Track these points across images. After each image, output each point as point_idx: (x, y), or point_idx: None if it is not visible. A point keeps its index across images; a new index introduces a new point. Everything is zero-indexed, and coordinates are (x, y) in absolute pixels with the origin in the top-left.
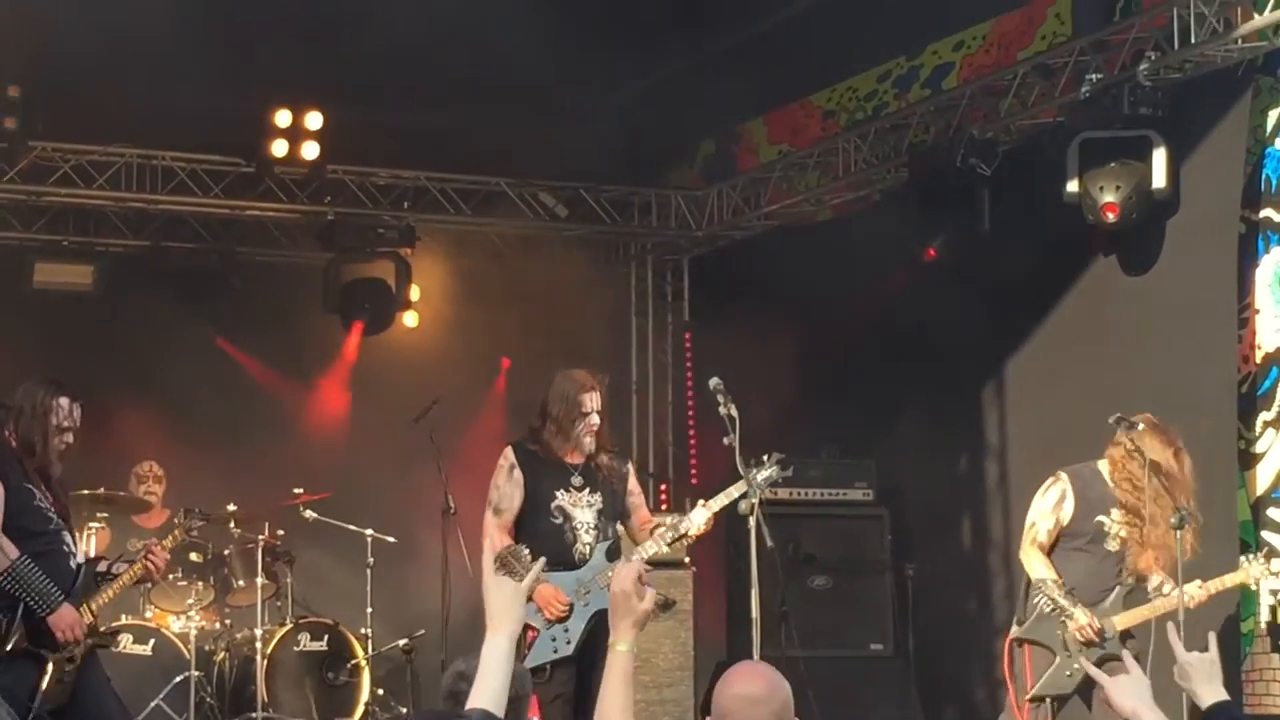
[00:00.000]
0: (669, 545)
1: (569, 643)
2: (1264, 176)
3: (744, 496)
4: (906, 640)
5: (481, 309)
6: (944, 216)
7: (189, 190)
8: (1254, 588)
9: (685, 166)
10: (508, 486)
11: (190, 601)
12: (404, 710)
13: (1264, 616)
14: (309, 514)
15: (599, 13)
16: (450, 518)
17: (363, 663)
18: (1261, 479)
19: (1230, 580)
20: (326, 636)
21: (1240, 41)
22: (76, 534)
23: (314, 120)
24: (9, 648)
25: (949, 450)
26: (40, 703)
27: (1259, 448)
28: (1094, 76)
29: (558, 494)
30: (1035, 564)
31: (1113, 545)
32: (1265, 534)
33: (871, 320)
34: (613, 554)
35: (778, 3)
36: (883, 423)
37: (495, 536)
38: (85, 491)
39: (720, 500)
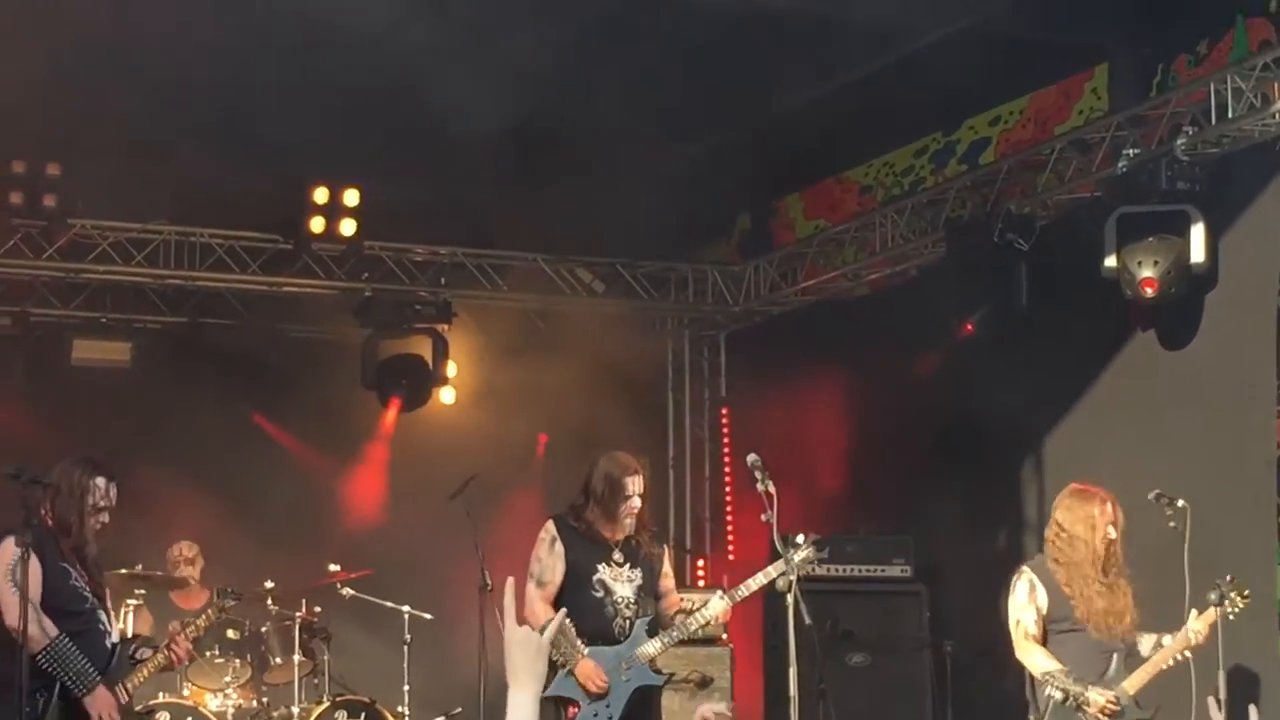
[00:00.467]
0: (690, 634)
1: (610, 718)
2: None
3: (781, 576)
4: (945, 717)
5: (518, 385)
6: (982, 291)
7: (227, 267)
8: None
9: (722, 242)
10: (549, 558)
11: (227, 679)
12: None
13: None
14: (346, 591)
15: (634, 89)
16: (487, 594)
17: None
18: None
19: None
20: (363, 714)
21: (1277, 116)
22: (112, 613)
23: (351, 197)
24: None
25: (987, 526)
26: None
27: None
28: (1131, 151)
29: (599, 568)
30: (1035, 658)
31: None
32: None
33: (909, 396)
34: (654, 630)
35: (813, 78)
36: (921, 499)
37: (538, 609)
38: (123, 570)
39: (750, 586)
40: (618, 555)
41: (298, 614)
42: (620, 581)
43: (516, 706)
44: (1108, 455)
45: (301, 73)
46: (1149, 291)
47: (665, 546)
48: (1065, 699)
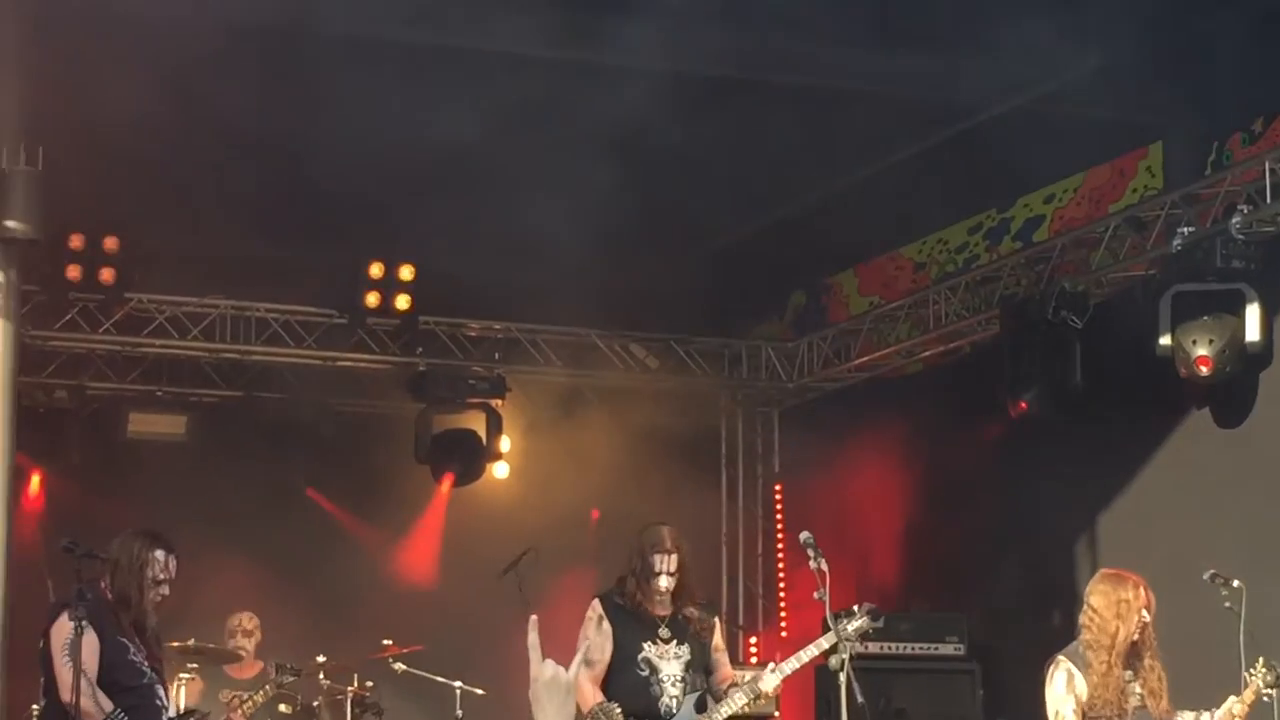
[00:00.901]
0: (739, 708)
1: None
2: None
3: (833, 650)
4: None
5: (572, 460)
6: (1036, 369)
7: (282, 341)
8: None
9: (776, 318)
10: (598, 638)
11: None
12: None
13: None
14: (398, 666)
15: (688, 165)
16: None
17: None
18: None
19: (1254, 690)
20: None
21: None
22: (169, 687)
23: (406, 272)
24: None
25: (1041, 605)
26: None
27: None
28: (1186, 230)
29: (645, 646)
30: None
31: (1134, 702)
32: None
33: (963, 473)
34: (701, 706)
35: (868, 155)
36: (974, 577)
37: (585, 690)
38: (175, 643)
39: (801, 658)
40: (664, 631)
41: (350, 688)
42: (667, 659)
43: None
44: (1162, 534)
45: (357, 149)
46: (1203, 370)
47: (716, 620)
48: None
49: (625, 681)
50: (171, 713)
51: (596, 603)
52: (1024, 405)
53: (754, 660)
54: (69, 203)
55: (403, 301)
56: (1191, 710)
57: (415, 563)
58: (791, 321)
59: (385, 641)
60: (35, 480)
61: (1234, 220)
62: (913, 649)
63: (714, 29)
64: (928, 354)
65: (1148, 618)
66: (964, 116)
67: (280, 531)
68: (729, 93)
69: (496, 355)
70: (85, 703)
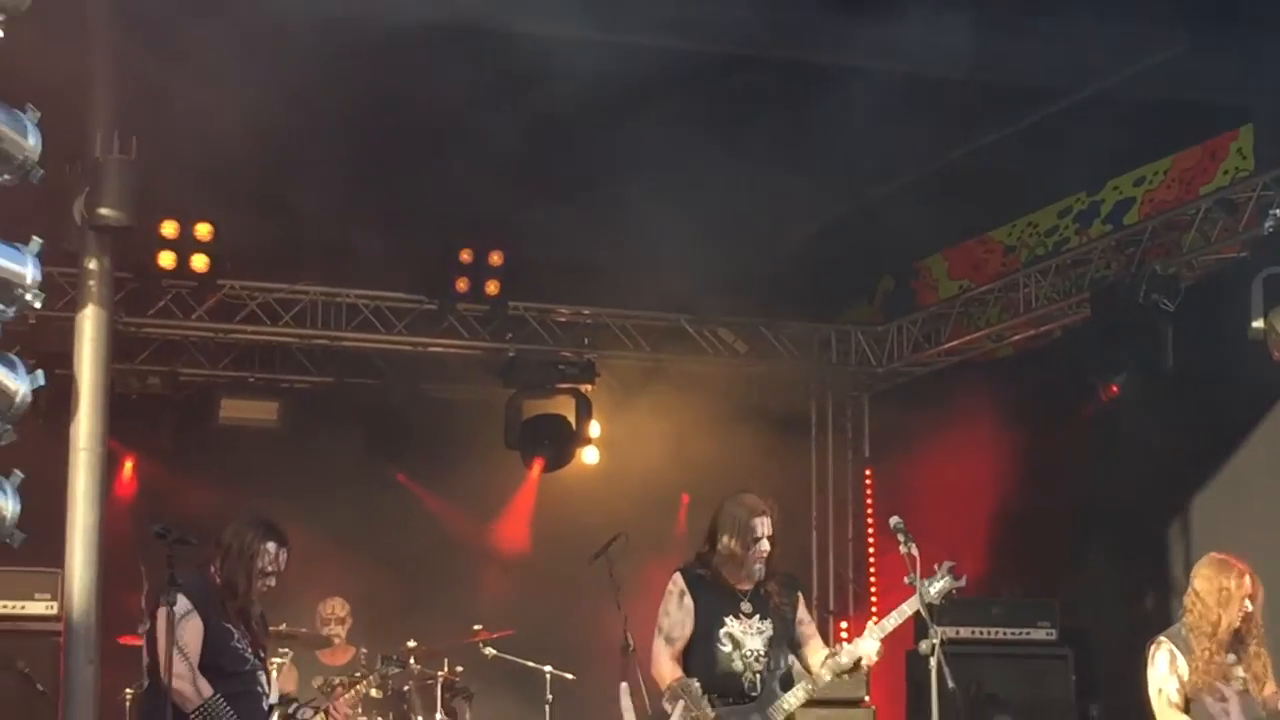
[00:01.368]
0: (840, 675)
1: None
2: None
3: (926, 608)
4: None
5: (661, 445)
6: (1126, 353)
7: (372, 327)
8: None
9: (865, 302)
10: (679, 613)
11: None
12: None
13: None
14: (489, 651)
15: (778, 150)
16: (630, 655)
17: None
18: None
19: None
20: None
21: None
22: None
23: (496, 258)
24: None
25: (1134, 589)
26: None
27: None
28: (1278, 211)
29: (727, 621)
30: None
31: (1237, 686)
32: None
33: (1054, 458)
34: (786, 684)
35: (957, 139)
36: (1066, 562)
37: (665, 667)
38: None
39: (893, 619)
40: (746, 606)
41: (440, 673)
42: (750, 634)
43: None
44: (1255, 517)
45: (446, 135)
46: None
47: (800, 593)
48: None
49: (706, 657)
50: (273, 699)
51: (678, 576)
52: (1115, 389)
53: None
54: (160, 190)
55: (492, 287)
56: None
57: (505, 548)
58: (881, 305)
59: (475, 626)
60: (128, 466)
61: None
62: (1004, 634)
63: (806, 12)
64: (1018, 338)
65: (1250, 607)
66: (1053, 99)
67: (371, 517)
68: (818, 77)
69: (586, 340)
70: (184, 687)
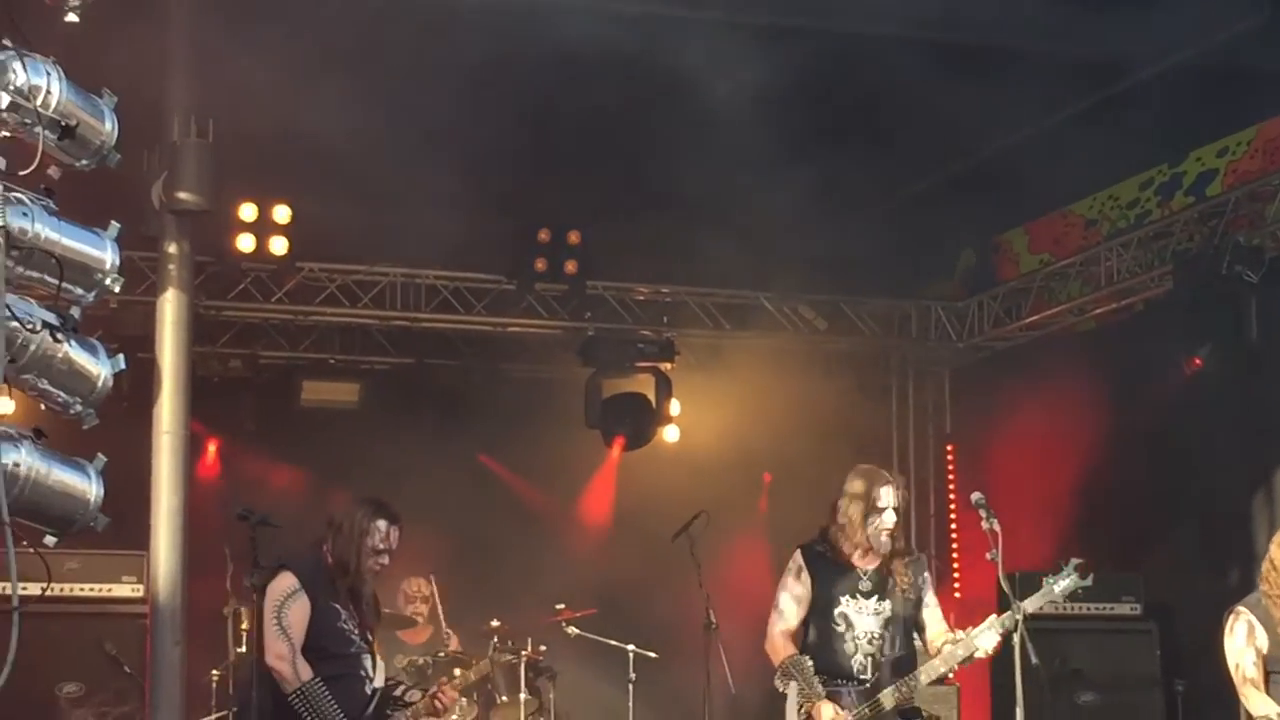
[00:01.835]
0: (959, 665)
1: None
2: None
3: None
4: None
5: (742, 423)
6: (1210, 325)
7: (452, 308)
8: None
9: (946, 277)
10: (797, 589)
11: (454, 718)
12: None
13: None
14: (571, 630)
15: (856, 126)
16: (712, 633)
17: None
18: None
19: None
20: None
21: None
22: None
23: (574, 237)
24: None
25: (1219, 563)
26: None
27: None
28: None
29: (843, 600)
30: (1257, 702)
31: None
32: None
33: (1137, 431)
34: (901, 668)
35: (1038, 112)
36: (1150, 535)
37: (779, 643)
38: None
39: (1015, 615)
40: (865, 585)
41: (524, 652)
42: (864, 614)
43: None
44: None
45: (526, 115)
46: None
47: (926, 573)
48: None
49: (819, 635)
50: (377, 683)
51: (798, 553)
52: (1198, 362)
53: None
54: (240, 173)
55: (571, 266)
56: None
57: (587, 527)
58: (961, 281)
59: (558, 606)
60: (211, 449)
61: None
62: (1088, 609)
63: None
64: (1099, 311)
65: None
66: (1134, 71)
67: (452, 497)
68: (898, 51)
69: (665, 319)
70: (284, 668)
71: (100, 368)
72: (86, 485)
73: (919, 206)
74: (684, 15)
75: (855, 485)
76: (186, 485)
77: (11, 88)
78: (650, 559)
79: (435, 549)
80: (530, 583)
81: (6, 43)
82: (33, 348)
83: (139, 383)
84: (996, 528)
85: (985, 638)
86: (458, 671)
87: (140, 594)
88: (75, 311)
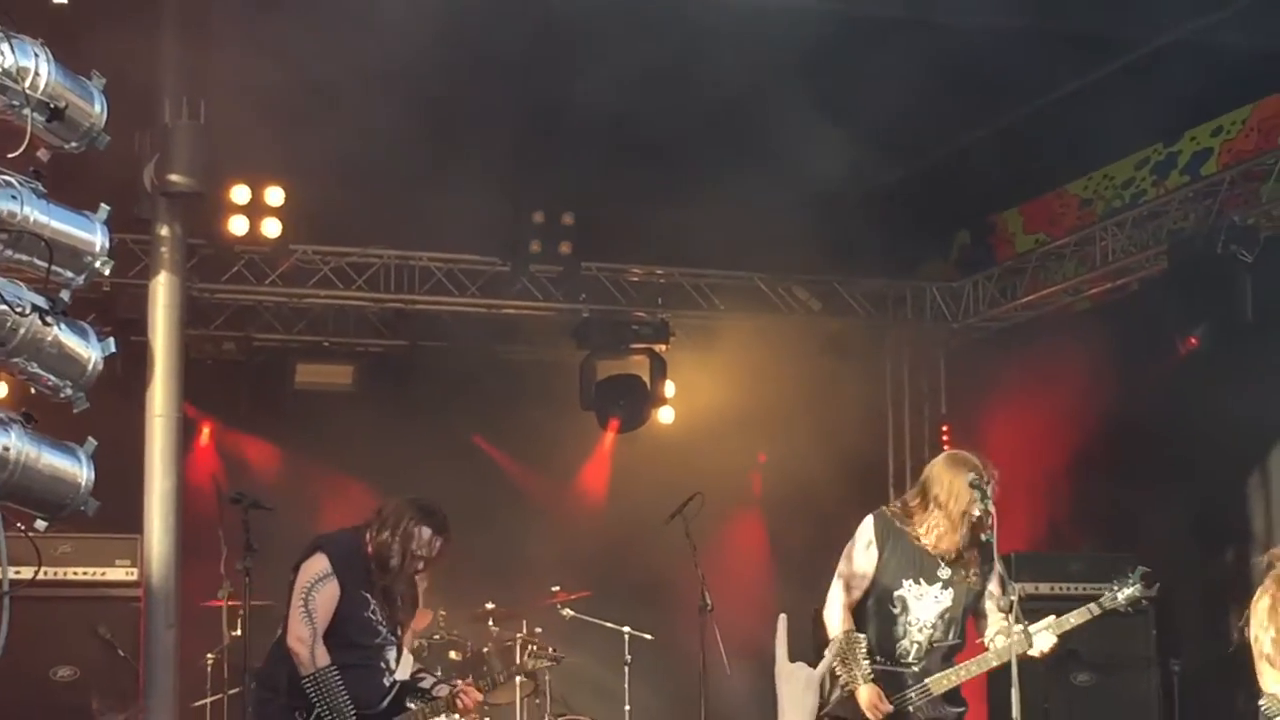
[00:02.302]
0: (1000, 663)
1: None
2: None
3: (1109, 609)
4: None
5: (737, 404)
6: (1205, 304)
7: (446, 290)
8: None
9: (940, 258)
10: (861, 561)
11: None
12: None
13: None
14: (566, 612)
15: (853, 107)
16: (707, 615)
17: None
18: None
19: None
20: None
21: None
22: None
23: (569, 219)
24: None
25: (1214, 543)
26: None
27: None
28: None
29: (905, 583)
30: (1265, 678)
31: None
32: None
33: (1133, 411)
34: (953, 656)
35: (1032, 91)
36: (1145, 516)
37: (836, 615)
38: None
39: (1074, 619)
40: (931, 571)
41: (519, 634)
42: (924, 600)
43: None
44: None
45: (518, 97)
46: None
47: (994, 566)
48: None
49: (873, 614)
50: (396, 677)
51: (870, 522)
52: (1194, 341)
53: None
54: (232, 154)
55: (565, 248)
56: None
57: (581, 509)
58: (956, 261)
59: (553, 588)
60: (205, 432)
61: None
62: (1084, 590)
63: None
64: (1095, 291)
65: None
66: (1129, 49)
67: (447, 479)
68: (894, 30)
69: (659, 300)
70: (301, 651)
71: (91, 351)
72: (77, 469)
73: (914, 187)
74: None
75: (962, 473)
76: (180, 468)
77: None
78: (645, 541)
79: None
80: (525, 565)
81: None
82: (22, 331)
83: (133, 366)
84: (991, 509)
85: (1042, 638)
86: (452, 654)
87: (134, 578)
88: (65, 294)
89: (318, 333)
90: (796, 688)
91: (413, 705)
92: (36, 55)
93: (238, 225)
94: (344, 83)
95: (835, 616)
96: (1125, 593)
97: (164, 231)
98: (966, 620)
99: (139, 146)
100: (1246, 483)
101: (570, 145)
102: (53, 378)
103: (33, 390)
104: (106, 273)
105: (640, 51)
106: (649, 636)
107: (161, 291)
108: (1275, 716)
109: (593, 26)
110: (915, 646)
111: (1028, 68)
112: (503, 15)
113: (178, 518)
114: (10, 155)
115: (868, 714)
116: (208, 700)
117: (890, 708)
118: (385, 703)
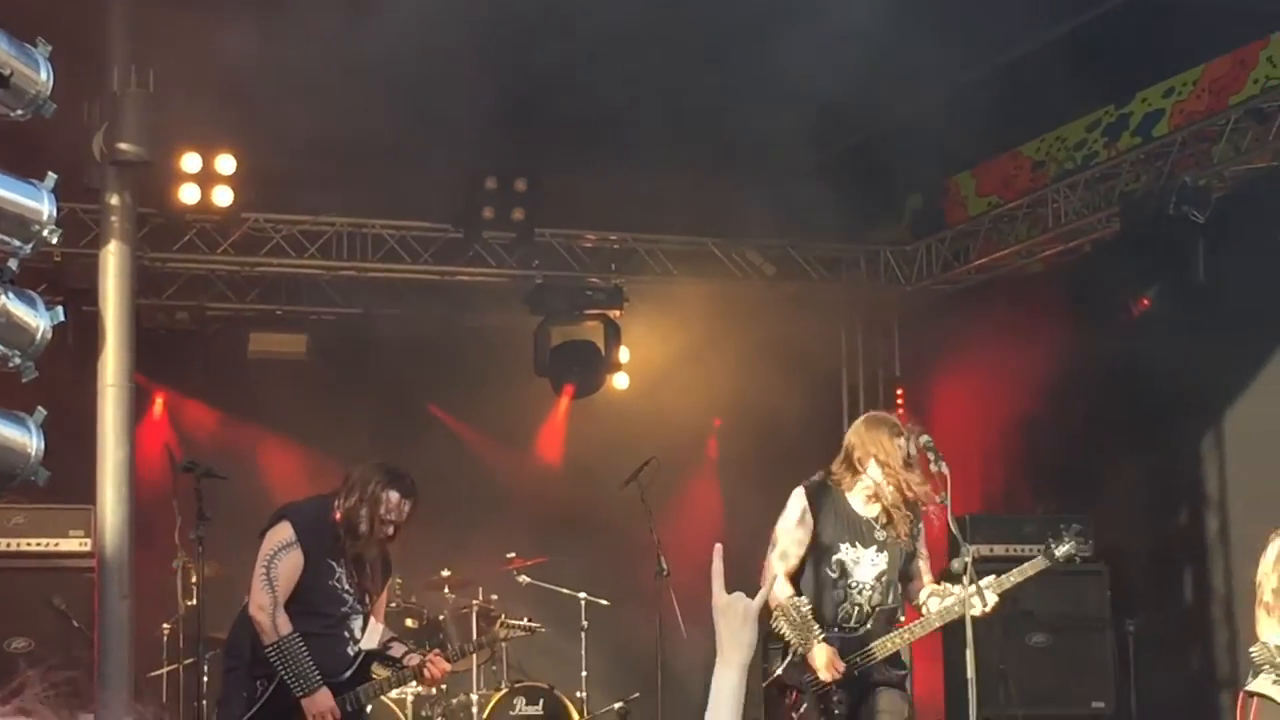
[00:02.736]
0: (942, 624)
1: (837, 712)
2: None
3: (1042, 573)
4: (1129, 697)
5: (691, 369)
6: (1158, 266)
7: (399, 258)
8: None
9: (893, 221)
10: (799, 531)
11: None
12: None
13: None
14: (522, 578)
15: (801, 70)
16: (663, 579)
17: None
18: None
19: None
20: (542, 700)
21: None
22: (371, 619)
23: (521, 185)
24: (250, 714)
25: (1168, 504)
26: None
27: None
28: None
29: (842, 547)
30: (1261, 625)
31: None
32: None
33: (1085, 372)
34: (893, 619)
35: (984, 54)
36: (1099, 477)
37: (777, 585)
38: None
39: (1014, 577)
40: (867, 534)
41: (474, 601)
42: (861, 564)
43: (723, 681)
44: None
45: (470, 63)
46: None
47: (922, 525)
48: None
49: (813, 579)
50: (361, 646)
51: (801, 493)
52: (1146, 302)
53: None
54: (185, 123)
55: (518, 214)
56: None
57: (537, 475)
58: (909, 224)
59: (509, 555)
60: (159, 402)
61: None
62: (1038, 551)
63: None
64: (1048, 253)
65: None
66: (1080, 10)
67: (402, 447)
68: None
69: (613, 266)
70: (263, 619)
71: (39, 320)
72: (26, 439)
73: (867, 150)
74: None
75: (884, 429)
76: (132, 438)
77: None
78: (601, 506)
79: None
80: (480, 532)
81: None
82: None
83: (84, 336)
84: (946, 471)
85: (986, 598)
86: (409, 621)
87: (88, 548)
88: (13, 264)
89: (270, 301)
90: (734, 621)
91: (380, 674)
92: None
93: (189, 194)
94: (295, 50)
95: (777, 586)
96: (1061, 549)
97: (114, 200)
98: (898, 582)
99: (88, 115)
100: (1200, 444)
101: (523, 110)
102: (1, 347)
103: None
104: (55, 241)
105: (594, 17)
106: (605, 602)
107: (112, 261)
108: (1263, 665)
109: None
110: (856, 609)
111: (979, 29)
112: None
113: (131, 488)
114: None
115: (824, 673)
116: (164, 670)
117: (844, 668)
118: (349, 672)
